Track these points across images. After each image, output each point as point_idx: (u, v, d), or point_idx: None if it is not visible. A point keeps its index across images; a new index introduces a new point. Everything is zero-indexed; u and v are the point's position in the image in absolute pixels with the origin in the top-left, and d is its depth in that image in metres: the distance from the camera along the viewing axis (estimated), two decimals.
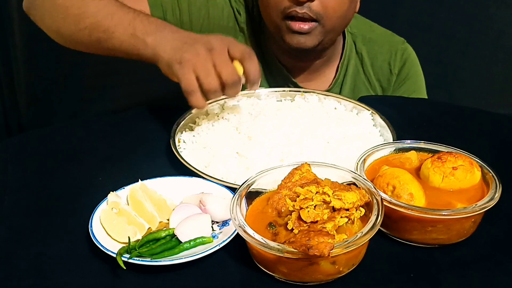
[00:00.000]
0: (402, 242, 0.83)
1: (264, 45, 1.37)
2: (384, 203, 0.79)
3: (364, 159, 0.90)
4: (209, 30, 1.33)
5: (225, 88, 1.02)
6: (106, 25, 1.12)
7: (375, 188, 0.80)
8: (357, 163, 0.89)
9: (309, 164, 0.84)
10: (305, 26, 1.20)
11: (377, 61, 1.40)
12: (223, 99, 1.19)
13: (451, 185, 0.85)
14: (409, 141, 0.96)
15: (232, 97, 1.08)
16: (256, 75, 1.04)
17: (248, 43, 1.37)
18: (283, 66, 1.35)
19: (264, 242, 0.72)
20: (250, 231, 0.73)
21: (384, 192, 0.82)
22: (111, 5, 1.14)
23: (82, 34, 1.14)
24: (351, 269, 0.76)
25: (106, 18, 1.12)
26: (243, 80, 1.05)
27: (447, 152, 0.89)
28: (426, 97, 1.47)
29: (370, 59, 1.40)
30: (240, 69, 1.03)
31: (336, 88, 1.39)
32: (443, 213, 0.78)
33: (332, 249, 0.69)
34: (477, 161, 0.89)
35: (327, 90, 1.37)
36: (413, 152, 0.93)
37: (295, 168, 0.84)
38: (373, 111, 1.14)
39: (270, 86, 1.36)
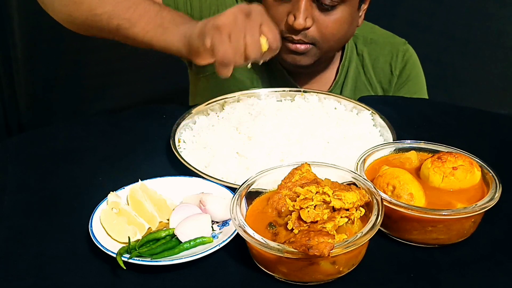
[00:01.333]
0: (402, 242, 0.83)
1: None
2: (384, 203, 0.79)
3: (364, 159, 0.90)
4: None
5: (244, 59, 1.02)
6: (129, 14, 1.11)
7: (375, 188, 0.80)
8: (357, 163, 0.89)
9: (309, 164, 0.84)
10: (301, 47, 1.21)
11: (378, 63, 1.40)
12: (222, 98, 1.20)
13: (451, 185, 0.85)
14: (409, 141, 0.96)
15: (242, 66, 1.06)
16: (274, 52, 1.05)
17: None
18: (284, 68, 1.35)
19: (264, 242, 0.72)
20: (250, 231, 0.73)
21: (384, 192, 0.82)
22: None
23: (99, 19, 1.12)
24: (351, 269, 0.76)
25: (129, 8, 1.11)
26: (265, 59, 1.06)
27: (447, 152, 0.89)
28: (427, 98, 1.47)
29: (371, 60, 1.40)
30: (264, 46, 1.03)
31: (337, 90, 1.39)
32: (443, 213, 0.78)
33: (332, 249, 0.69)
34: (477, 161, 0.89)
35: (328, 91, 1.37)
36: (413, 152, 0.93)
37: (295, 168, 0.84)
38: (373, 111, 1.14)
39: (271, 87, 1.36)
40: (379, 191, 0.80)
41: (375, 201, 0.78)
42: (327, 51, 1.25)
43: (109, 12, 1.11)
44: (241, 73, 1.34)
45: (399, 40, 1.44)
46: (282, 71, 1.35)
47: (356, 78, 1.40)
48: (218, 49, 1.00)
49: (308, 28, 1.18)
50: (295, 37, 1.19)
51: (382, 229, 0.84)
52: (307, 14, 1.16)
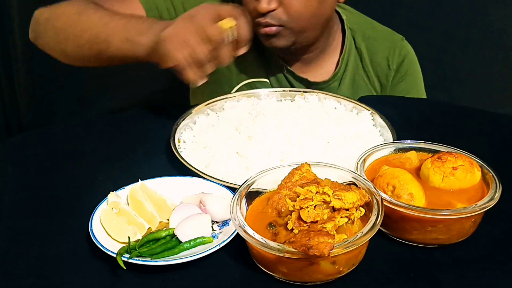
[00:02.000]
0: (402, 242, 0.83)
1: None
2: (384, 203, 0.79)
3: (364, 159, 0.90)
4: None
5: (216, 52, 1.02)
6: (104, 36, 1.15)
7: (375, 188, 0.80)
8: (357, 163, 0.89)
9: (309, 164, 0.84)
10: (271, 29, 1.21)
11: (376, 57, 1.40)
12: (222, 98, 1.20)
13: (451, 185, 0.85)
14: (409, 141, 0.96)
15: (227, 63, 1.06)
16: (245, 33, 1.05)
17: None
18: (279, 56, 1.35)
19: (264, 242, 0.72)
20: (250, 231, 0.73)
21: (384, 192, 0.82)
22: (106, 16, 1.17)
23: (85, 49, 1.18)
24: (351, 269, 0.76)
25: (102, 29, 1.15)
26: (235, 35, 1.05)
27: (447, 152, 0.89)
28: (425, 95, 1.47)
29: (369, 55, 1.40)
30: (229, 23, 1.03)
31: (336, 82, 1.39)
32: (443, 213, 0.78)
33: (332, 249, 0.69)
34: (477, 161, 0.89)
35: (326, 82, 1.37)
36: (413, 152, 0.93)
37: (295, 168, 0.84)
38: (373, 111, 1.14)
39: (268, 76, 1.37)
40: (379, 191, 0.80)
41: (375, 201, 0.78)
42: (300, 31, 1.24)
43: (89, 40, 1.16)
44: (237, 65, 1.34)
45: (397, 36, 1.44)
46: (275, 58, 1.35)
47: (355, 71, 1.40)
48: (167, 59, 1.02)
49: (274, 10, 1.18)
50: (262, 21, 1.20)
51: (382, 229, 0.84)
52: None
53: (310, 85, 1.36)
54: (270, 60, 1.36)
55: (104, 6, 1.23)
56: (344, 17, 1.39)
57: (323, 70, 1.40)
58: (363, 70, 1.41)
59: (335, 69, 1.38)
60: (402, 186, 0.83)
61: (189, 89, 1.54)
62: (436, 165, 0.86)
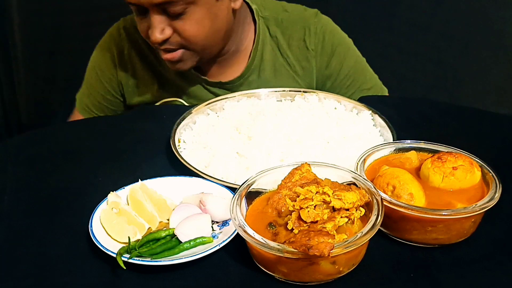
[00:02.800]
0: (402, 242, 0.83)
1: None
2: (384, 203, 0.79)
3: (364, 159, 0.90)
4: (130, 77, 1.37)
5: None
6: None
7: (375, 188, 0.80)
8: (357, 163, 0.89)
9: (309, 164, 0.84)
10: (172, 55, 1.20)
11: (293, 41, 1.37)
12: (223, 98, 1.20)
13: (451, 185, 0.85)
14: (409, 141, 0.96)
15: None
16: None
17: (152, 58, 1.36)
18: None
19: (264, 242, 0.72)
20: (250, 231, 0.73)
21: (384, 192, 0.82)
22: None
23: None
24: (351, 269, 0.76)
25: None
26: None
27: (447, 152, 0.89)
28: (362, 57, 1.42)
29: (286, 40, 1.37)
30: None
31: (253, 75, 1.36)
32: (443, 213, 0.78)
33: (332, 249, 0.69)
34: (477, 161, 0.89)
35: (239, 78, 1.34)
36: (413, 152, 0.93)
37: (295, 168, 0.84)
38: (373, 111, 1.14)
39: (183, 89, 1.35)
40: (379, 191, 0.80)
41: (375, 201, 0.78)
42: (204, 49, 1.22)
43: None
44: (158, 79, 1.35)
45: (310, 12, 1.38)
46: (189, 71, 1.32)
47: (274, 61, 1.37)
48: None
49: (169, 38, 1.17)
50: (161, 48, 1.19)
51: (382, 229, 0.84)
52: (162, 26, 1.15)
53: (224, 85, 1.34)
54: (186, 73, 1.33)
55: None
56: (254, 7, 1.34)
57: (238, 66, 1.37)
58: (282, 58, 1.37)
59: (247, 63, 1.35)
60: (402, 186, 0.83)
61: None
62: (436, 165, 0.86)
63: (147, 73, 1.36)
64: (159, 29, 1.15)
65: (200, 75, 1.33)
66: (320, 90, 1.31)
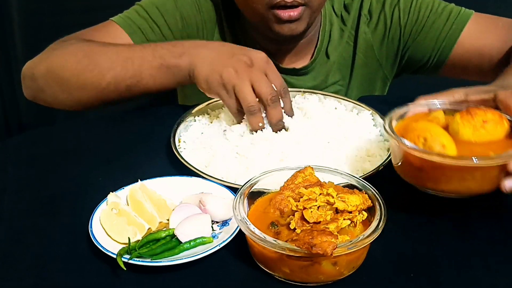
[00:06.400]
0: (402, 241, 0.83)
1: (240, 32, 1.35)
2: (416, 154, 0.78)
3: (391, 118, 0.88)
4: (189, 30, 1.32)
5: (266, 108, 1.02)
6: (130, 71, 1.11)
7: (378, 194, 0.80)
8: (385, 122, 0.87)
9: (312, 167, 0.84)
10: (294, 13, 1.17)
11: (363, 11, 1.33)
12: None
13: (481, 137, 0.83)
14: (436, 101, 0.93)
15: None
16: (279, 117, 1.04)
17: (226, 32, 1.35)
18: (264, 50, 1.26)
19: (266, 239, 0.71)
20: (252, 227, 0.73)
21: (415, 144, 0.81)
22: (121, 51, 1.13)
23: (107, 91, 1.13)
24: (351, 272, 0.76)
25: (126, 64, 1.11)
26: None
27: (475, 107, 0.87)
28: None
29: (354, 15, 1.34)
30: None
31: (321, 57, 1.35)
32: (479, 161, 0.76)
33: (335, 249, 0.68)
34: (505, 116, 0.86)
35: (312, 62, 1.34)
36: (440, 111, 0.91)
37: (298, 171, 0.83)
38: (373, 111, 1.14)
39: None
40: (380, 195, 0.80)
41: (378, 206, 0.77)
42: (316, 9, 1.21)
43: (113, 80, 1.12)
44: None
45: None
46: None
47: (341, 40, 1.36)
48: (227, 105, 1.04)
49: None
50: (289, 2, 1.15)
51: (412, 184, 0.84)
52: None
53: (298, 72, 1.34)
54: None
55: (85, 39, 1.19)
56: None
57: (309, 52, 1.36)
58: (348, 35, 1.35)
59: (316, 46, 1.35)
60: (433, 138, 0.81)
61: (177, 92, 1.53)
62: (466, 118, 0.84)
63: None
64: None
65: (277, 62, 1.31)
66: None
